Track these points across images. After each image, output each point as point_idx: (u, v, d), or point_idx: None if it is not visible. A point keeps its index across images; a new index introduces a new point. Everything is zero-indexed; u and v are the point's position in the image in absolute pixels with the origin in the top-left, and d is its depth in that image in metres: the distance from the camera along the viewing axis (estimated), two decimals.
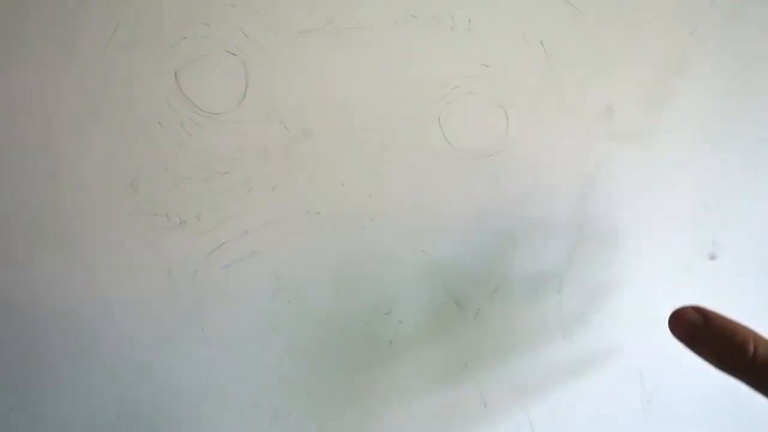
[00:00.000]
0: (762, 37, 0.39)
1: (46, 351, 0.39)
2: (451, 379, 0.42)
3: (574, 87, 0.39)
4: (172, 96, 0.37)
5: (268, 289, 0.39)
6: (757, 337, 0.28)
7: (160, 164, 0.38)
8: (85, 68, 0.36)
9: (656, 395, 0.43)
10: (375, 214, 0.39)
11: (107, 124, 0.37)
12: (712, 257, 0.41)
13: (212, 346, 0.39)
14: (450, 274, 0.40)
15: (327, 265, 0.39)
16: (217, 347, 0.40)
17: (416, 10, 0.37)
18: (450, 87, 0.38)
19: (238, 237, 0.39)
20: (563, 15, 0.38)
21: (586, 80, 0.39)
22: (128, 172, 0.37)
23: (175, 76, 0.37)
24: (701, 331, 0.29)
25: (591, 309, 0.41)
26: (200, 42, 0.36)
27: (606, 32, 0.38)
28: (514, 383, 0.42)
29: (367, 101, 0.38)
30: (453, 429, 0.42)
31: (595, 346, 0.42)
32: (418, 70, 0.37)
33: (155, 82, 0.36)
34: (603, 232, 0.40)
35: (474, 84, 0.38)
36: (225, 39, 0.36)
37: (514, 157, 0.39)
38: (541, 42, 0.38)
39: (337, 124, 0.38)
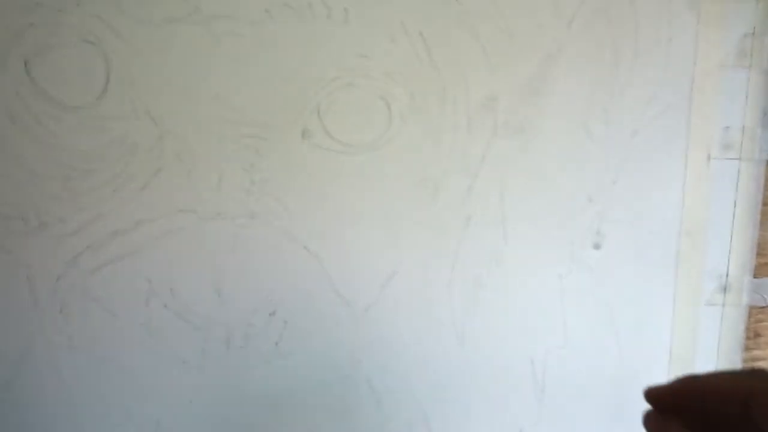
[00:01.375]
0: (633, 31, 0.40)
1: None
2: (343, 378, 0.41)
3: (456, 79, 0.38)
4: (22, 87, 0.34)
5: (141, 293, 0.37)
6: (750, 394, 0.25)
7: (13, 162, 0.35)
8: None
9: (547, 382, 0.43)
10: (255, 211, 0.37)
11: None
12: (597, 247, 0.42)
13: (80, 357, 0.37)
14: (336, 270, 0.39)
15: (205, 266, 0.37)
16: (86, 359, 0.37)
17: None
18: (328, 79, 0.37)
19: (105, 239, 0.36)
20: (442, 6, 0.37)
21: (467, 72, 0.38)
22: None
23: (25, 65, 0.34)
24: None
25: (479, 301, 0.41)
26: (51, 29, 0.33)
27: (485, 24, 0.38)
28: (408, 379, 0.41)
29: (242, 93, 0.36)
30: (347, 429, 0.41)
31: (486, 338, 0.42)
32: (293, 61, 0.36)
33: (1, 71, 0.33)
34: (490, 225, 0.40)
35: (353, 76, 0.37)
36: (81, 27, 0.34)
37: (398, 150, 0.38)
38: (420, 33, 0.37)
39: (209, 117, 0.36)
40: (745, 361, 0.46)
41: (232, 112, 0.36)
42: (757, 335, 0.46)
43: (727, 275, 0.44)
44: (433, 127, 0.38)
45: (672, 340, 0.45)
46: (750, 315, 0.46)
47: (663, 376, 0.45)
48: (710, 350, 0.45)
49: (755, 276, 0.45)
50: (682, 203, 0.43)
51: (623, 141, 0.41)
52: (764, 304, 0.46)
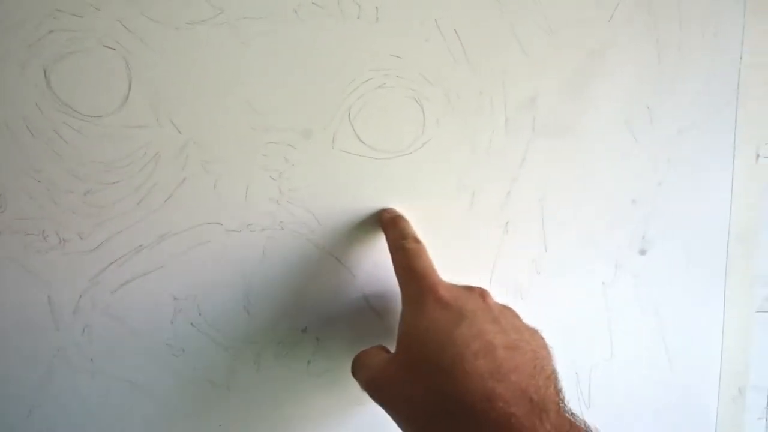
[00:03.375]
0: (677, 25, 0.38)
1: None
2: None
3: (493, 79, 0.36)
4: (41, 98, 0.32)
5: (166, 311, 0.35)
6: None
7: (31, 176, 0.33)
8: None
9: (592, 396, 0.41)
10: (284, 222, 0.35)
11: None
12: (643, 252, 0.40)
13: (104, 380, 0.35)
14: (371, 284, 0.37)
15: (232, 281, 0.35)
16: (110, 381, 0.35)
17: None
18: (360, 81, 0.35)
19: (129, 255, 0.34)
20: (477, 2, 0.35)
21: (505, 71, 0.36)
22: None
23: (45, 74, 0.32)
24: None
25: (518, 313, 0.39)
26: (71, 35, 0.32)
27: (524, 20, 0.36)
28: None
29: (269, 98, 0.34)
30: None
31: None
32: (322, 63, 0.34)
33: (20, 82, 0.32)
34: (530, 231, 0.38)
35: (385, 77, 0.35)
36: (101, 32, 0.32)
37: (432, 154, 0.36)
38: (455, 30, 0.35)
39: (235, 124, 0.34)
40: None
41: (259, 118, 0.34)
42: None
43: None
44: (469, 129, 0.36)
45: (723, 349, 0.42)
46: None
47: (714, 386, 0.43)
48: (764, 359, 0.43)
49: None
50: (731, 205, 0.41)
51: (669, 140, 0.39)
52: None
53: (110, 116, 0.33)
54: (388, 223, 0.35)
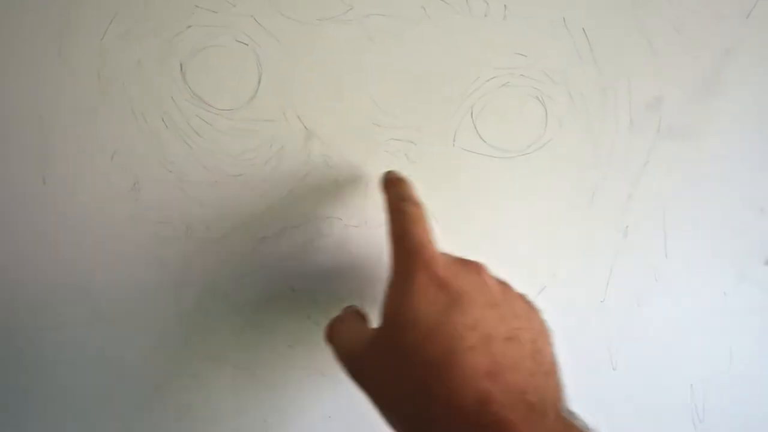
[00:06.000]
0: None
1: (37, 367, 0.35)
2: None
3: (619, 78, 0.35)
4: (177, 91, 0.33)
5: (284, 303, 0.36)
6: None
7: (164, 167, 0.34)
8: (80, 62, 0.32)
9: (707, 410, 0.39)
10: None
11: (106, 123, 0.33)
12: None
13: (225, 370, 0.36)
14: None
15: (350, 276, 0.36)
16: (231, 372, 0.36)
17: None
18: (484, 79, 0.34)
19: (251, 246, 0.35)
20: (606, 0, 0.34)
21: (631, 70, 0.35)
22: (129, 176, 0.34)
23: (181, 69, 0.33)
24: None
25: (635, 319, 0.38)
26: (207, 31, 0.33)
27: (654, 17, 0.35)
28: None
29: (393, 95, 0.34)
30: None
31: (642, 361, 0.38)
32: (448, 60, 0.34)
33: (158, 75, 0.33)
34: (650, 237, 0.37)
35: (510, 75, 0.34)
36: (234, 27, 0.33)
37: (554, 154, 0.35)
38: (583, 29, 0.34)
39: (359, 120, 0.34)
40: None
41: (382, 115, 0.34)
42: None
43: None
44: (592, 129, 0.36)
45: None
46: None
47: None
48: None
49: None
50: None
51: None
52: None
53: (240, 110, 0.34)
54: (387, 183, 0.31)
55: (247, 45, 0.33)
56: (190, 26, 0.33)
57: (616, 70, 0.35)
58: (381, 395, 0.25)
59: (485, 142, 0.35)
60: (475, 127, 0.35)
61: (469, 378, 0.22)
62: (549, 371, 0.24)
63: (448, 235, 0.36)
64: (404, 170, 0.35)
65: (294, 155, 0.34)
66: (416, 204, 0.29)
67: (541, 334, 0.26)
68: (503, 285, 0.28)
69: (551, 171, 0.36)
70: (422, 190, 0.35)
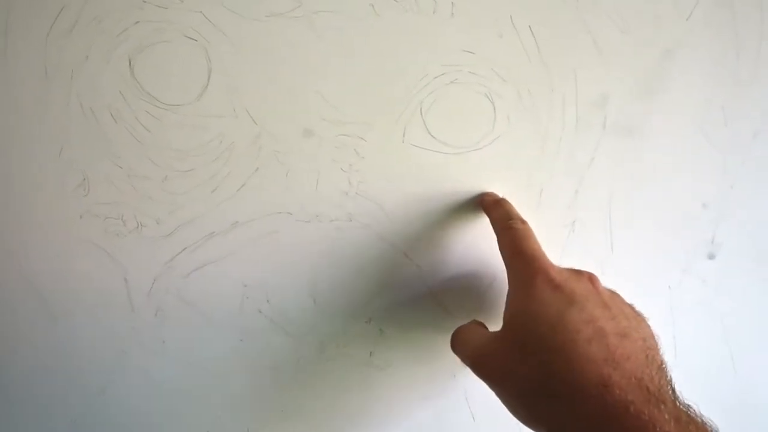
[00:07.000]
0: (759, 23, 0.37)
1: None
2: (439, 391, 0.39)
3: (566, 76, 0.36)
4: (125, 87, 0.33)
5: (235, 297, 0.36)
6: None
7: (113, 162, 0.34)
8: (25, 57, 0.32)
9: None
10: (353, 214, 0.36)
11: (53, 118, 0.33)
12: (711, 257, 0.39)
13: (173, 362, 0.36)
14: (436, 277, 0.37)
15: (301, 270, 0.36)
16: (179, 364, 0.36)
17: None
18: (432, 76, 0.35)
19: (201, 241, 0.35)
20: None
21: (577, 68, 0.36)
22: (77, 171, 0.34)
23: (129, 64, 0.33)
24: None
25: None
26: (155, 26, 0.33)
27: (599, 18, 0.35)
28: None
29: (342, 92, 0.34)
30: None
31: None
32: (397, 57, 0.34)
33: (107, 71, 0.33)
34: (596, 231, 0.38)
35: (458, 72, 0.35)
36: (183, 23, 0.33)
37: (502, 151, 0.36)
38: (529, 27, 0.35)
39: (309, 116, 0.35)
40: None
41: (332, 111, 0.35)
42: None
43: None
44: (539, 126, 0.36)
45: None
46: None
47: None
48: None
49: None
50: None
51: (743, 143, 0.38)
52: None
53: (189, 105, 0.34)
54: (491, 204, 0.35)
55: (196, 41, 0.33)
56: (138, 21, 0.33)
57: (562, 67, 0.36)
58: (507, 382, 0.28)
59: (434, 138, 0.36)
60: (425, 123, 0.35)
61: (590, 362, 0.25)
62: (660, 367, 0.26)
63: (398, 230, 0.36)
64: (354, 166, 0.35)
65: (244, 151, 0.35)
66: (523, 221, 0.33)
67: (649, 336, 0.28)
68: (612, 292, 0.31)
69: (500, 167, 0.36)
70: (372, 185, 0.36)
